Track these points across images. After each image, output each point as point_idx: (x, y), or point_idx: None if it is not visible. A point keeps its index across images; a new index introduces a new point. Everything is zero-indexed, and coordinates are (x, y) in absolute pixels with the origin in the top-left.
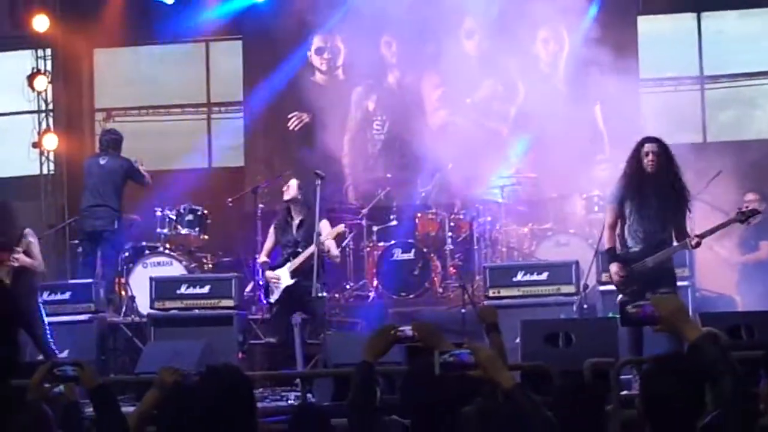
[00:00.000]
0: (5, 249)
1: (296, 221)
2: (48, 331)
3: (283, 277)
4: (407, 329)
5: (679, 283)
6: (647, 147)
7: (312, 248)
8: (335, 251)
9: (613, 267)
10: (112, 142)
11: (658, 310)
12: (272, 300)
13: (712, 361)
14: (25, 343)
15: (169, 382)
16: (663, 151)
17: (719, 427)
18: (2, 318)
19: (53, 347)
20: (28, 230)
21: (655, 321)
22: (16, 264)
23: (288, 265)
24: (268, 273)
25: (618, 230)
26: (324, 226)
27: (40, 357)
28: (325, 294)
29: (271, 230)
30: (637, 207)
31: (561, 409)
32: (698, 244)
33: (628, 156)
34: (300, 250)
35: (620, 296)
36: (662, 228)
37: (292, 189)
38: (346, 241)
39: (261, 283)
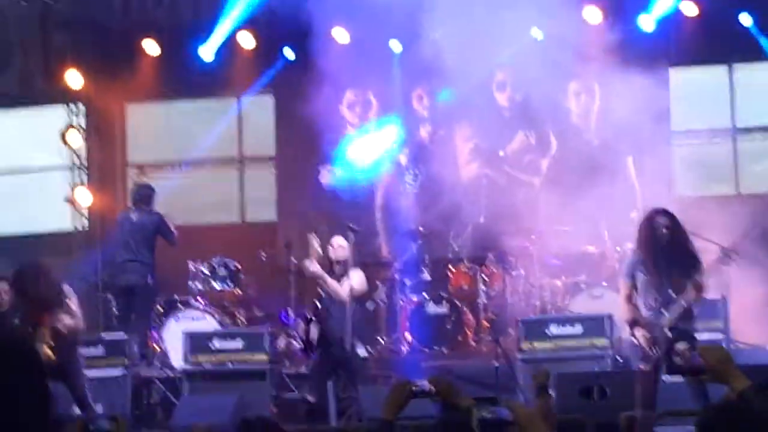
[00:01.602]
0: (46, 310)
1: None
2: (86, 385)
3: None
4: (424, 383)
5: (712, 336)
6: (661, 220)
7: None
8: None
9: (638, 332)
10: (145, 197)
11: (705, 359)
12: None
13: (762, 411)
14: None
15: None
16: (674, 223)
17: None
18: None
19: (90, 401)
20: (66, 287)
21: (702, 371)
22: (59, 325)
23: None
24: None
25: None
26: (355, 275)
27: (76, 410)
28: (364, 353)
29: None
30: (650, 277)
31: None
32: (699, 288)
33: (639, 227)
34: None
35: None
36: (676, 291)
37: (344, 248)
38: (379, 295)
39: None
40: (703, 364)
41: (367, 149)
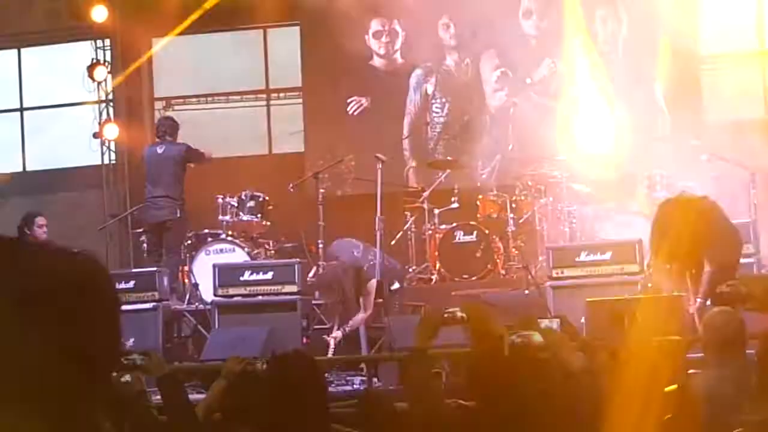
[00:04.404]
0: None
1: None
2: None
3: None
4: (456, 311)
5: (744, 260)
6: None
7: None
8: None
9: None
10: (169, 129)
11: (748, 289)
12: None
13: None
14: None
15: (236, 371)
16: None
17: None
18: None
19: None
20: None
21: (745, 300)
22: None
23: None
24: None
25: None
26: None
27: None
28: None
29: None
30: None
31: None
32: None
33: None
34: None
35: None
36: None
37: None
38: (407, 225)
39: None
40: (747, 293)
41: None
